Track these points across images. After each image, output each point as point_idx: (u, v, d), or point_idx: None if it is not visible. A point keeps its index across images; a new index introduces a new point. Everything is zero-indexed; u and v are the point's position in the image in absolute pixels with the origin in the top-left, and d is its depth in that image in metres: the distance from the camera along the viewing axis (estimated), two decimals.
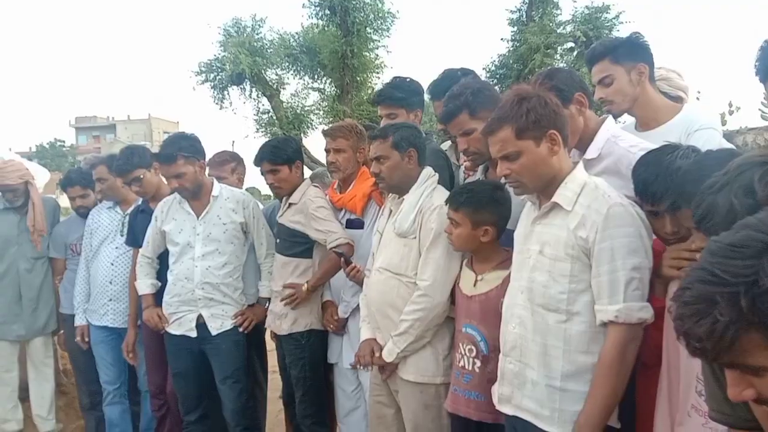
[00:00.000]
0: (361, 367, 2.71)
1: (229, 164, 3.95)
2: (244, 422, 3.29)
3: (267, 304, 3.38)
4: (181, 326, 3.25)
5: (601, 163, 2.14)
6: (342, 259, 2.95)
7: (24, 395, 4.08)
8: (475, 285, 2.30)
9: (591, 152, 2.16)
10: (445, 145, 3.24)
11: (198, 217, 3.24)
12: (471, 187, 2.35)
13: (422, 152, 2.61)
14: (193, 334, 3.22)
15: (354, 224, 3.14)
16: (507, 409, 1.98)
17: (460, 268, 2.43)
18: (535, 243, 1.91)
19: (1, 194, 3.96)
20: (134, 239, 3.61)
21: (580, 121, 2.18)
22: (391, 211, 2.66)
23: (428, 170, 2.61)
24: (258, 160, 3.19)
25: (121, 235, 3.79)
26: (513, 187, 1.96)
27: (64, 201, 4.55)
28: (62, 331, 4.12)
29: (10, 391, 3.99)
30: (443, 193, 2.51)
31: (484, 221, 2.24)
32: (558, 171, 1.88)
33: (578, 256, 1.79)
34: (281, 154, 3.16)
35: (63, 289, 4.06)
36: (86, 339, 3.84)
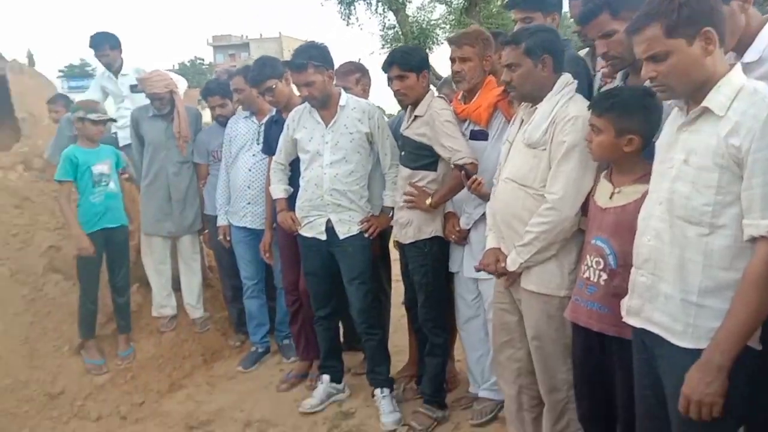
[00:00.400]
0: (485, 273, 2.72)
1: (353, 75, 3.95)
2: (370, 321, 3.47)
3: (391, 214, 3.47)
4: (312, 229, 3.42)
5: (761, 66, 1.92)
6: (463, 172, 2.93)
7: (176, 286, 4.57)
8: (611, 197, 2.18)
9: (750, 55, 1.94)
10: (582, 53, 3.05)
11: (327, 126, 3.33)
12: (617, 92, 2.18)
13: (559, 58, 2.45)
14: (323, 237, 3.39)
15: (478, 136, 3.06)
16: (635, 322, 1.92)
17: (595, 182, 2.32)
18: (680, 151, 1.76)
19: (150, 102, 4.31)
20: (269, 147, 3.81)
21: (741, 19, 1.95)
22: (522, 120, 2.56)
23: (566, 77, 2.45)
24: (387, 65, 3.14)
25: (257, 144, 4.02)
26: (659, 91, 1.80)
27: (206, 116, 4.86)
28: (207, 231, 4.51)
29: (164, 281, 4.49)
30: (581, 103, 2.37)
31: (630, 129, 2.08)
32: (711, 73, 1.70)
33: (728, 166, 1.64)
34: (410, 60, 3.09)
35: (206, 192, 4.41)
36: (227, 238, 4.19)
